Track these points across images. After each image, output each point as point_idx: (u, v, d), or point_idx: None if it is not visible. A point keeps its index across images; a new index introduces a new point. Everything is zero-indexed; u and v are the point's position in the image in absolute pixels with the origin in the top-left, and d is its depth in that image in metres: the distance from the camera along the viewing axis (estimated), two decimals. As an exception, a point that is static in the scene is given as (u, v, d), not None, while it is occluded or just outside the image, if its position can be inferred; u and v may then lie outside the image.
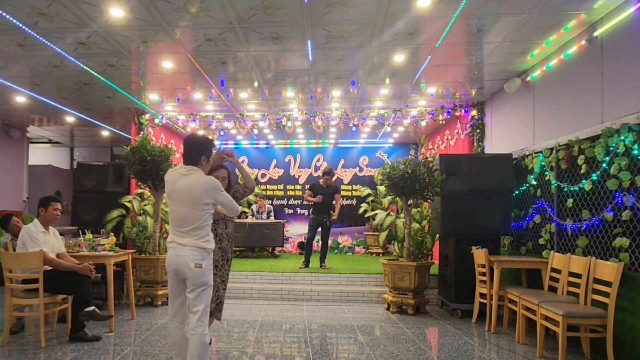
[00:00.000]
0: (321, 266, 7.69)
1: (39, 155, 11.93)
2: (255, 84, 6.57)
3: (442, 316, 5.83)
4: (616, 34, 4.17)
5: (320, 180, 8.02)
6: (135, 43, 5.02)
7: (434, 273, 6.38)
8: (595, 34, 4.41)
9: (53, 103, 7.45)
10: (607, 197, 4.16)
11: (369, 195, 10.72)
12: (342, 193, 10.64)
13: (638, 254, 3.79)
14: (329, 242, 8.06)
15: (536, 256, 5.37)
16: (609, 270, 3.82)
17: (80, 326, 4.53)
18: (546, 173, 5.23)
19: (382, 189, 9.36)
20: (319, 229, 7.82)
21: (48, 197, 4.77)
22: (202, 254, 3.06)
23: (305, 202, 10.48)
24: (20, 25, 4.51)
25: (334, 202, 7.94)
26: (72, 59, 5.47)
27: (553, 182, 5.06)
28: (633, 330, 3.73)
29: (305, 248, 7.90)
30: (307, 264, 7.72)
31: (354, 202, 11.04)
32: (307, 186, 9.01)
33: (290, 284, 6.91)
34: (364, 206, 10.62)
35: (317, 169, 11.16)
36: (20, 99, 7.22)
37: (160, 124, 8.27)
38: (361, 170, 11.14)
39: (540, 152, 5.38)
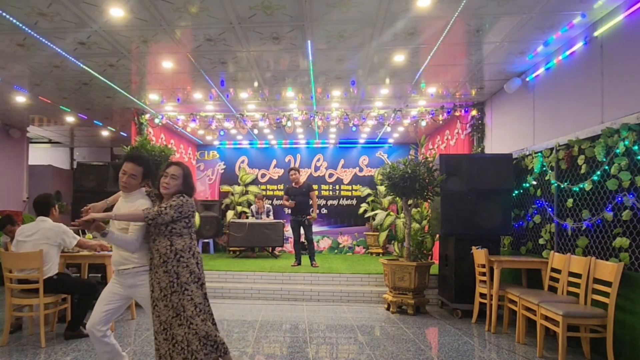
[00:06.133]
0: (312, 265, 7.77)
1: (39, 155, 11.93)
2: (255, 84, 6.57)
3: (442, 316, 5.83)
4: (616, 34, 4.17)
5: (293, 183, 8.17)
6: (135, 43, 5.02)
7: (434, 273, 6.38)
8: (595, 34, 4.41)
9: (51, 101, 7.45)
10: (607, 197, 4.16)
11: (369, 195, 10.72)
12: (343, 193, 11.08)
13: (638, 254, 3.79)
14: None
15: (536, 256, 5.37)
16: (609, 270, 3.82)
17: (78, 324, 4.57)
18: (546, 173, 5.23)
19: (382, 189, 9.36)
20: (301, 230, 8.06)
21: (51, 196, 4.78)
22: None
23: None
24: (20, 25, 4.51)
25: (310, 201, 8.06)
26: (72, 59, 5.47)
27: (553, 182, 5.06)
28: (633, 330, 3.73)
29: (295, 248, 8.13)
30: (299, 262, 7.97)
31: (354, 202, 11.04)
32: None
33: (290, 284, 6.91)
34: (364, 206, 10.62)
35: (317, 168, 11.17)
36: (20, 99, 7.22)
37: (160, 124, 8.27)
38: (361, 170, 11.13)
39: (540, 152, 5.38)
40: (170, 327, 2.96)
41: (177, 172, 3.11)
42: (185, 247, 3.03)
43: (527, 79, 5.85)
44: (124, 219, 3.00)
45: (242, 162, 11.31)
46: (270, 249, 9.67)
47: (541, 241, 5.28)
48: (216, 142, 11.06)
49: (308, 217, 7.92)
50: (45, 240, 4.40)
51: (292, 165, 10.58)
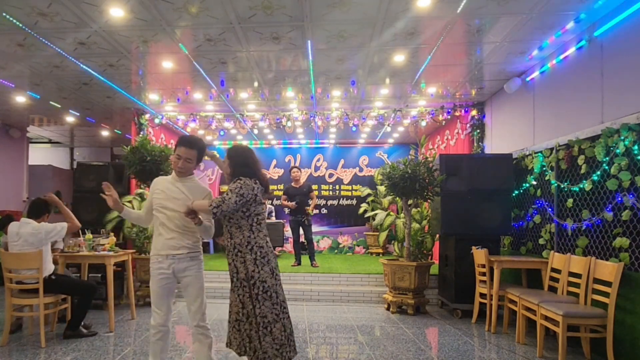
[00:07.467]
0: (312, 265, 7.77)
1: (39, 155, 11.93)
2: (255, 84, 6.57)
3: (442, 316, 5.83)
4: (616, 34, 4.17)
5: (292, 183, 8.18)
6: (135, 43, 5.02)
7: (434, 273, 6.38)
8: (595, 34, 4.41)
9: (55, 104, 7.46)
10: (607, 197, 4.16)
11: (369, 195, 10.71)
12: (343, 193, 11.13)
13: (638, 254, 3.79)
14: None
15: (536, 256, 5.37)
16: (609, 270, 3.82)
17: (78, 324, 4.57)
18: (546, 173, 5.23)
19: (382, 189, 9.35)
20: (301, 230, 8.09)
21: (48, 204, 4.74)
22: None
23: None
24: (20, 25, 4.51)
25: (310, 201, 8.08)
26: (72, 59, 5.47)
27: (553, 182, 5.06)
28: (633, 330, 3.73)
29: (295, 248, 8.17)
30: (299, 262, 8.01)
31: (354, 202, 11.04)
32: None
33: (290, 284, 6.91)
34: (364, 206, 10.62)
35: (317, 168, 11.17)
36: (20, 99, 7.22)
37: (160, 124, 8.27)
38: (361, 170, 11.14)
39: (540, 152, 5.38)
40: (239, 321, 3.01)
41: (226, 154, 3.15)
42: (244, 241, 2.98)
43: (527, 79, 5.85)
44: (199, 210, 2.93)
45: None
46: (270, 249, 9.65)
47: (541, 241, 5.28)
48: (216, 142, 11.06)
49: (306, 211, 7.92)
50: (28, 246, 4.38)
51: (292, 165, 10.61)
